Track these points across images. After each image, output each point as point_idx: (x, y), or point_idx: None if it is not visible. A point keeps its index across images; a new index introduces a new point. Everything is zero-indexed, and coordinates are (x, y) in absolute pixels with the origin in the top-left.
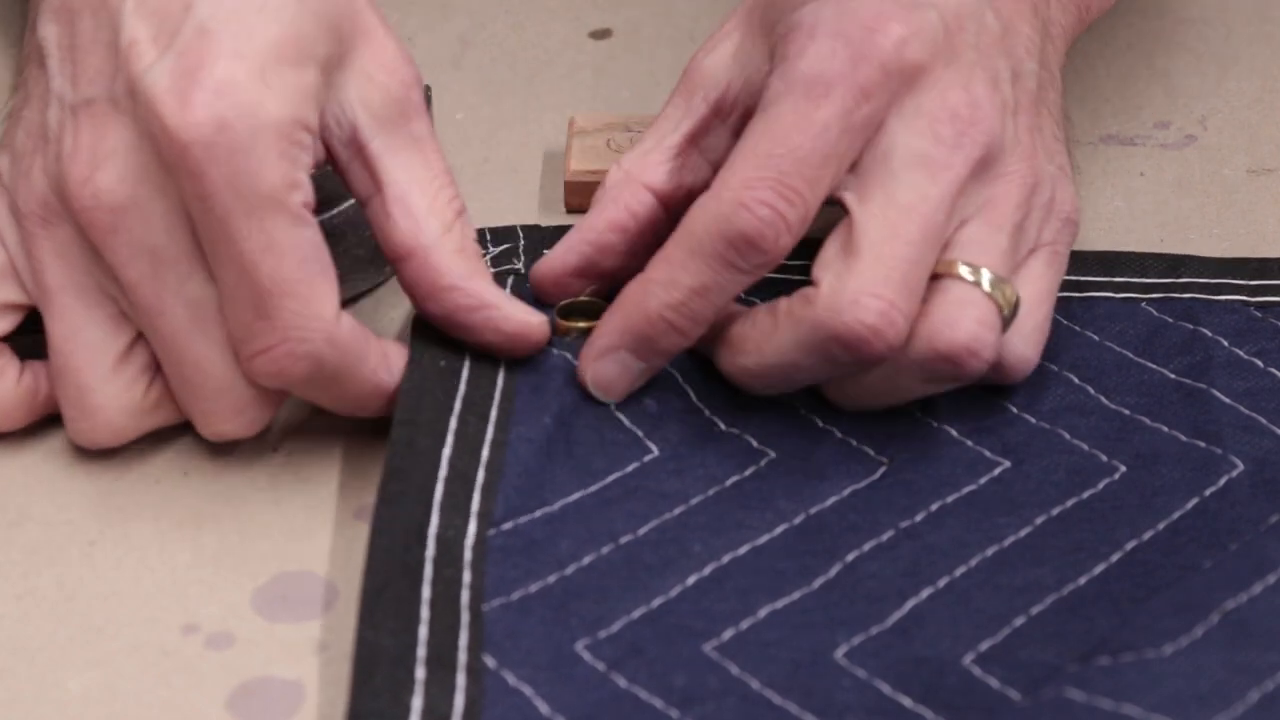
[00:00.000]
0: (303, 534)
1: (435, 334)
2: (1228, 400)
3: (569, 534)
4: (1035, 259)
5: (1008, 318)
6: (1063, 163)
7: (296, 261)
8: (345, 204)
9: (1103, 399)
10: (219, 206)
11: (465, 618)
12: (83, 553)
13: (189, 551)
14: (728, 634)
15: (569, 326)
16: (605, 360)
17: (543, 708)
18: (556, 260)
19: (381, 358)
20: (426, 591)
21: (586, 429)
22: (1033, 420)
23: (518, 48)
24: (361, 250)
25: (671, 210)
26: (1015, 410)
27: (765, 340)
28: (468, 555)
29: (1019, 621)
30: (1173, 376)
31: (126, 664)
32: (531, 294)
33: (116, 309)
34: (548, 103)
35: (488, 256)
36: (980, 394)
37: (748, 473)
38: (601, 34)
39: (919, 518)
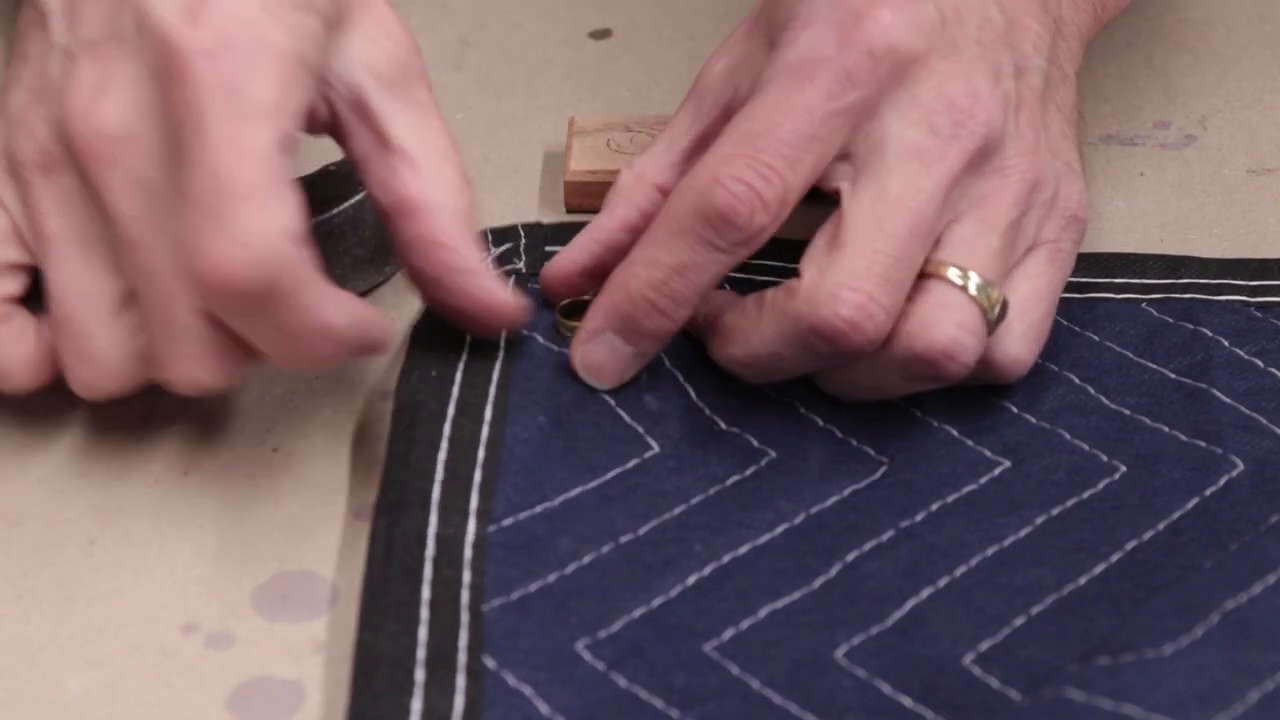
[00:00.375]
0: (303, 534)
1: (431, 340)
2: (1228, 400)
3: (569, 531)
4: (1034, 256)
5: (993, 321)
6: (1070, 160)
7: (264, 169)
8: (345, 204)
9: (1103, 399)
10: (204, 111)
11: (465, 618)
12: (83, 553)
13: (189, 551)
14: (728, 634)
15: (570, 326)
16: (593, 343)
17: (543, 708)
18: (566, 260)
19: (334, 299)
20: (426, 592)
21: (587, 425)
22: (1033, 420)
23: (518, 48)
24: (361, 250)
25: None
26: (1015, 410)
27: (751, 330)
28: (468, 554)
29: (1019, 621)
30: (1173, 376)
31: (126, 664)
32: (537, 293)
33: (115, 257)
34: (548, 103)
35: (489, 257)
36: (980, 394)
37: (748, 472)
38: (601, 34)
39: (919, 517)
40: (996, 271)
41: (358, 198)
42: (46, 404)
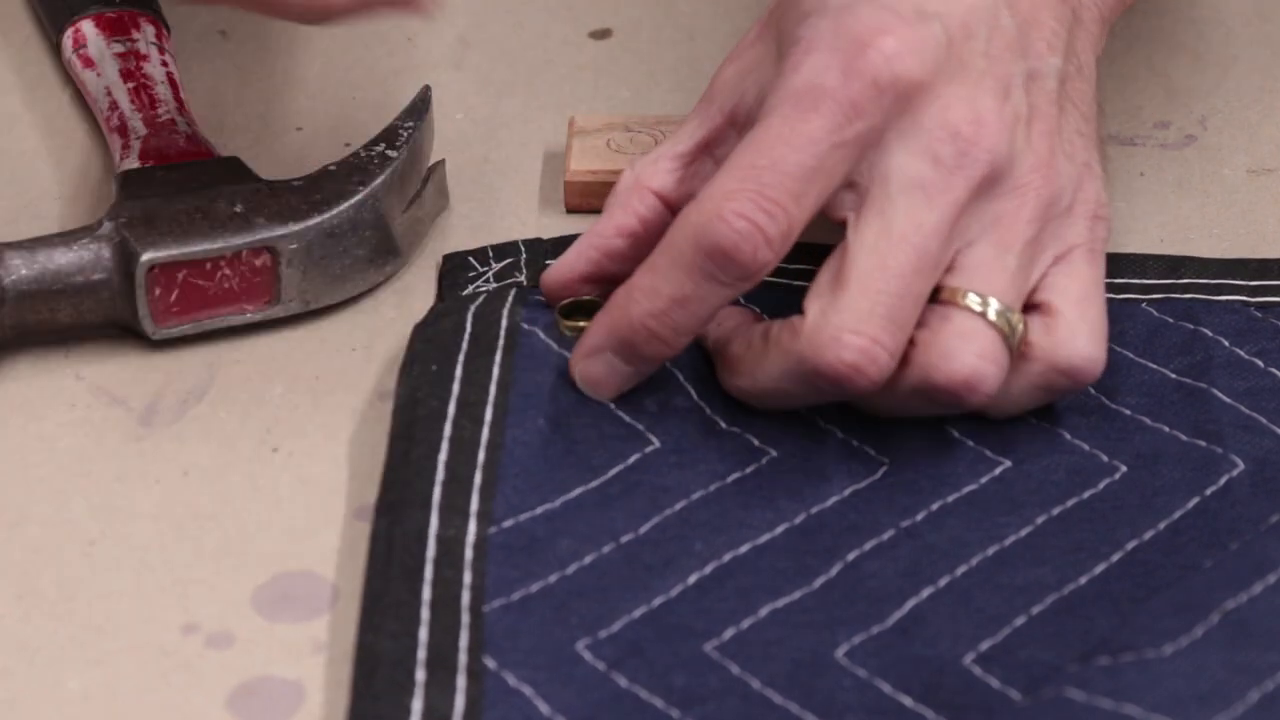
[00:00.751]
0: (303, 534)
1: (431, 339)
2: (1228, 400)
3: (570, 532)
4: (1070, 260)
5: (1015, 346)
6: (1087, 159)
7: None
8: (345, 204)
9: (1103, 399)
10: None
11: (466, 619)
12: (83, 553)
13: (189, 551)
14: (728, 633)
15: (570, 326)
16: (593, 359)
17: (543, 708)
18: (566, 266)
19: None
20: (427, 593)
21: (586, 426)
22: (1033, 420)
23: (518, 48)
24: (362, 250)
25: None
26: None
27: (757, 365)
28: (468, 555)
29: (1019, 621)
30: (1173, 376)
31: (126, 664)
32: (539, 302)
33: None
34: (548, 103)
35: (490, 272)
36: None
37: (749, 471)
38: (601, 34)
39: (920, 517)
40: (1017, 292)
41: (358, 198)
42: (47, 404)
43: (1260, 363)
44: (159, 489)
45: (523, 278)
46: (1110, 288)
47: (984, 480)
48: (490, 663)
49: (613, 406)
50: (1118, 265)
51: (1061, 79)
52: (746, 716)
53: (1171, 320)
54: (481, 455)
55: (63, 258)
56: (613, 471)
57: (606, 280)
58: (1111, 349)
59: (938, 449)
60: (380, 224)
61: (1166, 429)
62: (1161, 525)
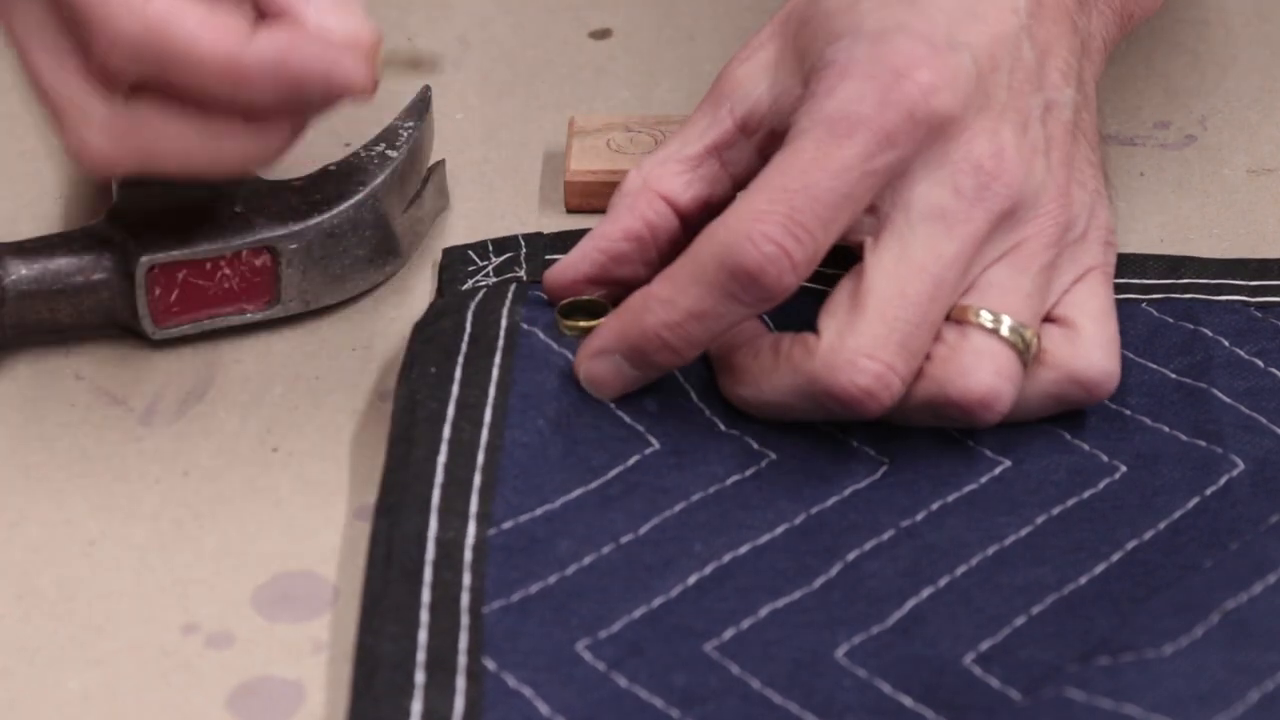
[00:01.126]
0: (303, 534)
1: (431, 339)
2: (1228, 400)
3: (569, 533)
4: (1089, 279)
5: (1028, 362)
6: (1097, 187)
7: None
8: (345, 204)
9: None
10: None
11: (465, 620)
12: (83, 553)
13: (189, 551)
14: (728, 633)
15: (571, 325)
16: (600, 360)
17: (543, 709)
18: (570, 267)
19: (229, 31)
20: (426, 595)
21: (586, 428)
22: (1033, 420)
23: (518, 48)
24: (362, 250)
25: (687, 221)
26: None
27: (764, 378)
28: (468, 557)
29: (1019, 621)
30: (1173, 376)
31: (126, 664)
32: (539, 298)
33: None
34: (548, 103)
35: (490, 266)
36: None
37: (748, 473)
38: (601, 34)
39: (920, 517)
40: (1031, 313)
41: (358, 197)
42: (47, 404)
43: (1260, 363)
44: (159, 489)
45: (522, 272)
46: None
47: (984, 480)
48: (490, 664)
49: (613, 407)
50: (1118, 265)
51: (1075, 109)
52: (746, 716)
53: (1171, 320)
54: (481, 457)
55: (63, 258)
56: (612, 473)
57: (610, 282)
58: None
59: (938, 449)
60: (380, 224)
61: (1166, 429)
62: (1161, 525)
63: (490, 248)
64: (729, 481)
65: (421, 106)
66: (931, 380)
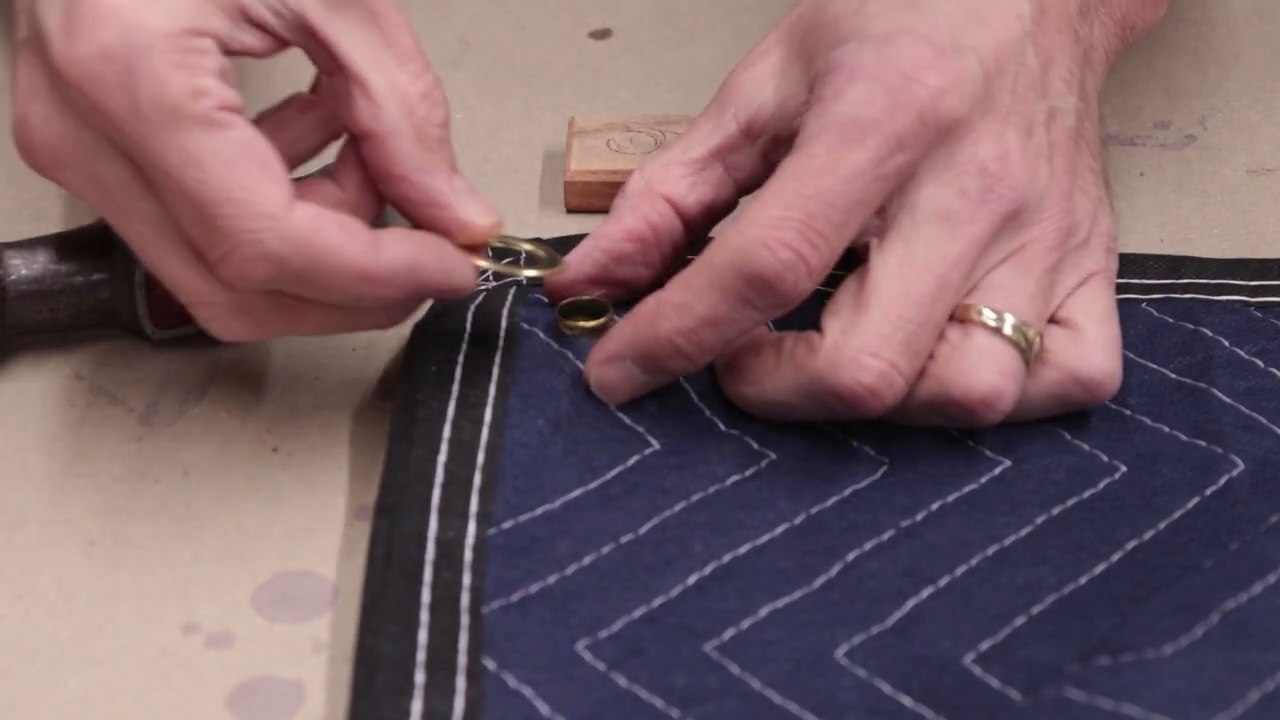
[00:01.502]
0: (303, 534)
1: (431, 338)
2: (1228, 400)
3: (569, 533)
4: (1092, 283)
5: (1030, 361)
6: (1099, 194)
7: (222, 169)
8: None
9: None
10: (128, 132)
11: (465, 620)
12: (83, 553)
13: (189, 551)
14: (728, 633)
15: (571, 326)
16: (611, 366)
17: (543, 708)
18: (572, 268)
19: (363, 242)
20: (426, 595)
21: (586, 428)
22: (1033, 420)
23: (518, 48)
24: None
25: (689, 224)
26: None
27: (767, 377)
28: (468, 557)
29: (1019, 621)
30: (1173, 376)
31: (126, 664)
32: (539, 301)
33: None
34: (548, 103)
35: (490, 270)
36: None
37: (748, 473)
38: (601, 34)
39: (919, 517)
40: (1034, 314)
41: None
42: (47, 404)
43: (1260, 363)
44: (159, 489)
45: (523, 277)
46: None
47: (984, 480)
48: (490, 664)
49: (613, 408)
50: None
51: (1077, 117)
52: (746, 716)
53: (1171, 320)
54: (481, 457)
55: (63, 258)
56: (612, 473)
57: (611, 282)
58: None
59: (938, 449)
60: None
61: (1166, 429)
62: (1161, 525)
63: (491, 252)
64: (729, 481)
65: None
66: (934, 379)
